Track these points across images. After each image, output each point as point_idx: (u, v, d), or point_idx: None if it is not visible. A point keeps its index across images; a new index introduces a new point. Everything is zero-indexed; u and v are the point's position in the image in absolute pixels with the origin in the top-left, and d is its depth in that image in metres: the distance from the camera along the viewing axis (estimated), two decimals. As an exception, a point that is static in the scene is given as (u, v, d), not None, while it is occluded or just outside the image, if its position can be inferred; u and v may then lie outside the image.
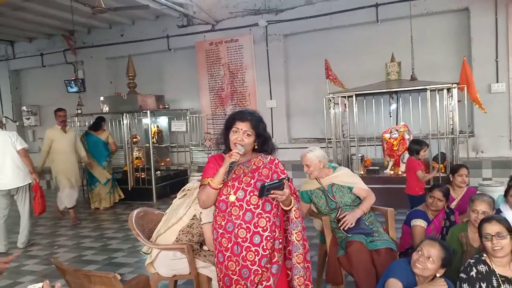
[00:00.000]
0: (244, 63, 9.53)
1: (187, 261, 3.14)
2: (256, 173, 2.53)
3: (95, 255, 5.39)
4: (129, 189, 8.48)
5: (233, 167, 2.46)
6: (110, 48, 10.67)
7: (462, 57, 7.11)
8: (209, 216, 2.93)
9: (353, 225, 3.31)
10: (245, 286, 2.44)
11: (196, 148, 9.48)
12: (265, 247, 2.43)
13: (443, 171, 6.80)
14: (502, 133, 7.83)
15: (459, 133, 7.04)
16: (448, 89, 6.91)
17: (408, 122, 7.40)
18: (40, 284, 1.83)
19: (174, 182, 8.99)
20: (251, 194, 2.46)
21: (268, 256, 2.44)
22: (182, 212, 3.25)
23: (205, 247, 3.27)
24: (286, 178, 2.44)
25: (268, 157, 2.62)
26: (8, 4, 7.84)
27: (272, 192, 2.32)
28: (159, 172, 9.18)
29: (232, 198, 2.47)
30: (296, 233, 2.51)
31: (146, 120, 9.03)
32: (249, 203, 2.45)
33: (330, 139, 7.47)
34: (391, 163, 7.16)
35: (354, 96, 7.16)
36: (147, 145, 9.16)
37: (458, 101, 6.87)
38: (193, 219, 3.21)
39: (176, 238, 3.21)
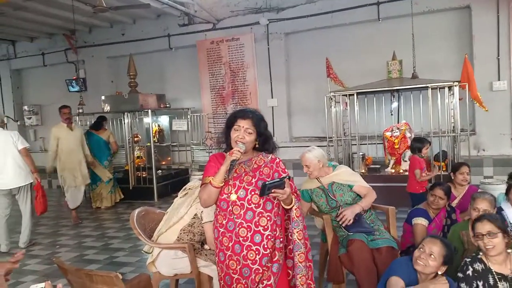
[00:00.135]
0: (245, 61, 9.53)
1: (188, 260, 3.15)
2: (257, 172, 2.53)
3: (96, 255, 5.40)
4: (131, 188, 8.49)
5: (234, 165, 2.45)
6: (111, 47, 10.68)
7: (464, 55, 7.10)
8: (210, 215, 2.93)
9: (351, 221, 3.31)
10: (246, 285, 2.44)
11: (197, 147, 9.48)
12: (266, 246, 2.43)
13: (444, 169, 6.80)
14: (504, 131, 7.81)
15: (461, 131, 7.04)
16: (450, 87, 6.90)
17: (409, 120, 7.39)
18: (43, 284, 1.83)
19: (175, 181, 9.00)
20: (252, 193, 2.46)
21: (269, 255, 2.44)
22: (183, 211, 3.25)
23: (206, 246, 3.27)
24: (287, 177, 2.44)
25: (269, 156, 2.62)
26: (10, 3, 7.85)
27: (273, 191, 2.32)
28: (160, 171, 9.19)
29: (233, 197, 2.47)
30: (297, 232, 2.51)
31: (147, 119, 9.04)
32: (250, 202, 2.45)
33: (331, 137, 7.47)
34: (392, 162, 7.15)
35: (355, 95, 7.16)
36: (148, 144, 9.17)
37: (459, 99, 6.86)
38: (194, 218, 3.22)
39: (178, 237, 3.21)
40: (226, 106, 9.79)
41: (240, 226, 2.45)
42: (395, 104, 8.19)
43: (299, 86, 9.38)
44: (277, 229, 2.49)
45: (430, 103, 6.71)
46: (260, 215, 2.45)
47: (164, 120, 10.21)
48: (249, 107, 2.86)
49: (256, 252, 2.43)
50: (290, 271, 2.58)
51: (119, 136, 9.26)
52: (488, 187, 5.83)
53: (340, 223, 3.34)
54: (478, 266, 2.59)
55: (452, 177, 4.40)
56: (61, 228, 6.90)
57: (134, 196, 8.42)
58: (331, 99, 7.44)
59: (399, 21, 8.01)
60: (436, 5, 7.98)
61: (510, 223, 3.56)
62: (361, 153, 7.35)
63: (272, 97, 9.44)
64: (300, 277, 2.49)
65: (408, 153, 6.87)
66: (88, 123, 8.91)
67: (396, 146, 6.84)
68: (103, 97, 8.98)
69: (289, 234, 2.56)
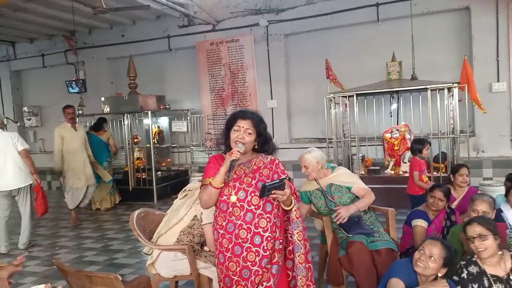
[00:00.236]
0: (245, 63, 9.53)
1: (188, 262, 3.15)
2: (257, 173, 2.53)
3: (96, 256, 5.40)
4: (130, 189, 8.49)
5: (234, 165, 2.46)
6: (111, 49, 10.68)
7: (463, 56, 7.10)
8: (210, 217, 2.93)
9: (345, 220, 3.32)
10: (245, 287, 2.45)
11: (197, 149, 9.49)
12: (265, 247, 2.43)
13: (443, 171, 6.81)
14: (503, 132, 7.82)
15: (460, 133, 7.04)
16: (449, 89, 6.91)
17: (409, 122, 7.40)
18: (42, 286, 1.84)
19: (175, 183, 9.00)
20: (252, 194, 2.46)
21: (269, 256, 2.45)
22: (183, 212, 3.26)
23: (206, 248, 3.28)
24: (287, 178, 2.45)
25: (269, 157, 2.62)
26: (9, 5, 7.85)
27: (273, 192, 2.32)
28: (160, 172, 9.19)
29: (233, 198, 2.47)
30: (297, 233, 2.51)
31: (147, 121, 9.04)
32: (250, 203, 2.45)
33: (330, 139, 7.47)
34: (391, 163, 7.16)
35: (354, 96, 7.16)
36: (148, 145, 9.17)
37: (459, 101, 6.87)
38: (194, 219, 3.22)
39: (177, 238, 3.21)
40: (225, 107, 9.80)
41: (240, 228, 2.45)
42: (394, 106, 8.19)
43: (298, 88, 9.38)
44: (277, 230, 2.50)
45: (429, 104, 6.72)
46: (260, 216, 2.45)
47: (163, 122, 10.22)
48: (249, 108, 2.87)
49: (256, 253, 2.43)
50: (289, 272, 2.59)
51: (118, 137, 9.26)
52: (488, 189, 5.83)
53: (334, 220, 3.36)
54: (473, 269, 2.59)
55: (452, 179, 4.41)
56: (60, 229, 6.90)
57: (133, 197, 8.42)
58: (331, 100, 7.45)
59: (398, 23, 8.02)
60: (435, 6, 7.99)
61: (510, 225, 3.58)
62: (360, 155, 7.36)
63: (271, 99, 9.45)
64: (300, 278, 2.50)
65: (408, 154, 6.88)
66: (88, 124, 8.91)
67: (396, 148, 6.85)
68: (103, 98, 8.99)
69: (289, 235, 2.57)
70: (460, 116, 6.95)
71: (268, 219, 2.46)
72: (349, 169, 7.15)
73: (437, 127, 6.90)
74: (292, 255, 2.55)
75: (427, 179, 5.19)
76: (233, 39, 9.54)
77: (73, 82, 10.83)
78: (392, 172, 7.14)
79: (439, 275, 2.56)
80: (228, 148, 2.59)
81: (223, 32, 9.63)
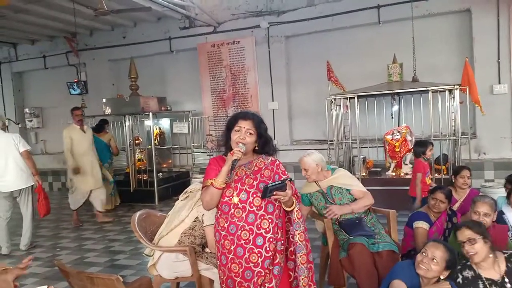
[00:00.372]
0: (246, 64, 9.55)
1: (189, 263, 3.15)
2: (258, 174, 2.54)
3: (97, 257, 5.40)
4: (131, 191, 8.49)
5: (236, 164, 2.46)
6: (112, 50, 10.70)
7: (464, 58, 7.10)
8: (211, 218, 2.93)
9: (336, 215, 3.38)
10: None
11: (198, 150, 9.49)
12: (268, 248, 2.44)
13: (445, 172, 6.81)
14: (504, 134, 7.82)
15: (461, 135, 7.03)
16: (450, 91, 6.91)
17: (410, 124, 7.40)
18: (44, 287, 1.84)
19: (176, 184, 9.00)
20: (254, 195, 2.46)
21: (271, 257, 2.45)
22: (185, 214, 3.26)
23: (207, 249, 3.28)
24: (288, 179, 2.46)
25: (270, 158, 2.63)
26: (11, 6, 7.87)
27: (274, 193, 2.34)
28: (161, 174, 9.18)
29: (235, 200, 2.47)
30: (298, 233, 2.52)
31: (148, 122, 9.04)
32: (252, 204, 2.46)
33: (332, 140, 7.48)
34: (393, 165, 7.15)
35: (355, 98, 7.16)
36: (149, 147, 9.17)
37: (460, 103, 6.87)
38: (195, 221, 3.22)
39: (179, 240, 3.22)
40: (227, 109, 9.81)
41: (242, 229, 2.45)
42: (395, 107, 8.20)
43: (299, 89, 9.39)
44: (279, 231, 2.50)
45: (430, 106, 6.72)
46: (262, 217, 2.46)
47: (165, 123, 10.22)
48: (249, 110, 2.88)
49: (258, 254, 2.43)
50: (291, 273, 2.60)
51: (120, 139, 9.27)
52: (489, 191, 5.82)
53: (325, 214, 3.40)
54: (468, 273, 2.59)
55: (453, 181, 4.40)
56: (62, 230, 6.90)
57: (135, 198, 8.42)
58: (332, 102, 7.45)
59: (399, 25, 8.02)
60: (436, 8, 8.00)
61: (511, 227, 3.57)
62: (362, 156, 7.35)
63: (272, 100, 9.46)
64: (302, 279, 2.51)
65: (409, 156, 6.88)
66: (89, 125, 8.91)
67: (397, 150, 6.84)
68: (104, 100, 9.00)
69: (290, 236, 2.58)
70: (461, 118, 6.94)
71: (270, 220, 2.47)
72: (351, 171, 7.21)
73: (438, 129, 6.90)
74: (294, 256, 2.55)
75: (430, 181, 5.18)
76: (234, 41, 9.56)
77: (75, 84, 10.86)
78: (393, 174, 7.13)
79: (442, 277, 2.55)
80: (229, 150, 2.59)
81: (224, 34, 9.65)
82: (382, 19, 8.35)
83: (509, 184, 4.27)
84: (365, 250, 3.17)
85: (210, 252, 3.22)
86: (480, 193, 4.33)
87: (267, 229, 2.45)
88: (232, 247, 2.47)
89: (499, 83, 7.75)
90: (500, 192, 5.04)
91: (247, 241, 2.44)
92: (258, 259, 2.43)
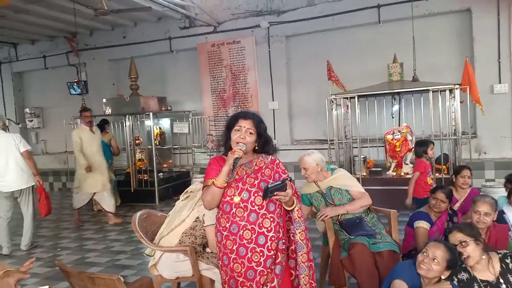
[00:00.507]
0: (246, 64, 9.54)
1: (190, 263, 3.15)
2: (259, 173, 2.54)
3: (98, 257, 5.40)
4: (132, 191, 8.49)
5: (237, 163, 2.46)
6: (112, 50, 10.70)
7: (464, 58, 7.10)
8: (212, 218, 2.93)
9: (328, 217, 3.40)
10: (250, 287, 2.45)
11: (198, 150, 9.50)
12: (270, 247, 2.44)
13: (445, 172, 6.80)
14: (505, 134, 7.82)
15: (462, 134, 7.03)
16: (450, 90, 6.91)
17: (410, 123, 7.40)
18: (46, 287, 1.83)
19: (176, 184, 9.01)
20: (255, 195, 2.47)
21: (273, 256, 2.46)
22: (185, 214, 3.26)
23: (208, 249, 3.28)
24: (289, 179, 2.46)
25: (269, 157, 2.64)
26: (11, 6, 7.87)
27: (275, 193, 2.34)
28: (161, 174, 9.19)
29: (236, 199, 2.48)
30: (299, 232, 2.54)
31: (149, 122, 9.04)
32: (253, 204, 2.46)
33: (332, 140, 7.47)
34: (393, 165, 7.14)
35: (356, 97, 7.15)
36: (149, 147, 9.17)
37: (460, 102, 6.87)
38: (196, 221, 3.22)
39: (179, 240, 3.22)
40: (227, 108, 9.81)
41: (244, 229, 2.45)
42: (396, 107, 8.19)
43: (300, 89, 9.39)
44: (280, 230, 2.51)
45: (431, 106, 6.71)
46: (264, 216, 2.46)
47: (165, 123, 10.22)
48: (250, 110, 2.89)
49: (261, 254, 2.44)
50: (292, 272, 2.61)
51: (120, 139, 9.27)
52: (490, 190, 5.82)
53: (318, 216, 3.43)
54: (463, 276, 2.59)
55: (454, 180, 4.40)
56: (62, 230, 6.90)
57: (135, 198, 8.42)
58: (332, 101, 7.45)
59: (399, 24, 8.02)
60: (436, 8, 8.00)
61: (512, 226, 3.57)
62: (362, 156, 7.35)
63: (273, 100, 9.46)
64: (303, 277, 2.52)
65: (409, 156, 6.88)
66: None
67: (398, 149, 6.84)
68: (104, 100, 9.00)
69: (291, 235, 2.59)
70: (462, 118, 6.94)
71: (271, 219, 2.47)
72: (351, 171, 7.23)
73: (439, 128, 6.89)
74: (295, 255, 2.57)
75: (431, 181, 5.18)
76: (234, 41, 9.56)
77: (75, 84, 10.87)
78: (394, 173, 7.13)
79: (443, 277, 2.56)
80: (228, 149, 2.60)
81: (224, 34, 9.65)
82: (383, 19, 8.34)
83: (509, 183, 4.28)
84: (366, 250, 3.17)
85: (211, 252, 3.22)
86: (481, 193, 4.34)
87: (269, 228, 2.46)
88: (234, 247, 2.47)
89: (500, 82, 7.75)
90: (500, 192, 5.04)
91: (249, 240, 2.44)
92: (260, 258, 2.43)
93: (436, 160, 6.92)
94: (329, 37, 8.91)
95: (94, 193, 7.06)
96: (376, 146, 7.88)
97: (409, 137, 6.81)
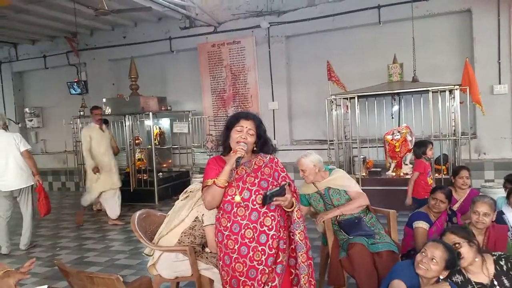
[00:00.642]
0: (246, 64, 9.55)
1: (189, 263, 3.15)
2: (259, 172, 2.55)
3: (97, 257, 5.40)
4: (131, 190, 8.49)
5: (240, 162, 2.47)
6: (112, 50, 10.70)
7: (464, 58, 7.10)
8: (211, 218, 2.93)
9: (324, 220, 3.43)
10: (252, 287, 2.46)
11: (198, 150, 9.49)
12: (271, 245, 2.46)
13: (445, 173, 6.80)
14: (504, 134, 7.82)
15: (461, 135, 7.03)
16: (450, 91, 6.91)
17: (410, 124, 7.39)
18: (45, 287, 1.84)
19: (176, 184, 9.01)
20: (256, 193, 2.48)
21: (274, 255, 2.47)
22: (185, 214, 3.26)
23: (207, 249, 3.28)
24: (287, 184, 2.49)
25: (268, 156, 2.65)
26: (11, 6, 7.87)
27: (274, 199, 2.38)
28: (161, 173, 9.19)
29: (237, 198, 2.48)
30: (299, 233, 2.56)
31: (148, 122, 9.05)
32: (254, 202, 2.47)
33: (332, 140, 7.47)
34: (393, 165, 7.14)
35: (356, 98, 7.15)
36: (149, 146, 9.18)
37: (460, 103, 6.87)
38: (195, 221, 3.22)
39: (178, 240, 3.22)
40: (227, 108, 9.81)
41: (246, 228, 2.46)
42: (396, 107, 8.20)
43: (300, 89, 9.39)
44: (281, 229, 2.52)
45: (431, 106, 6.71)
46: (265, 215, 2.48)
47: (165, 123, 10.22)
48: (249, 110, 2.90)
49: (262, 252, 2.45)
50: (292, 270, 2.63)
51: (120, 138, 9.27)
52: (489, 191, 5.81)
53: (316, 222, 3.47)
54: (457, 278, 2.60)
55: (453, 181, 4.40)
56: (61, 230, 6.90)
57: (135, 198, 8.41)
58: (332, 102, 7.45)
59: (400, 25, 8.01)
60: (436, 8, 8.00)
61: (511, 227, 3.57)
62: (362, 156, 7.35)
63: (273, 100, 9.45)
64: (303, 276, 2.55)
65: (409, 156, 6.88)
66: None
67: (397, 150, 6.84)
68: (104, 100, 9.01)
69: (291, 234, 2.61)
70: (462, 118, 6.94)
71: (272, 217, 2.49)
72: (351, 171, 7.23)
73: (439, 129, 6.89)
74: (295, 254, 2.59)
75: (432, 181, 5.17)
76: (235, 41, 9.56)
77: (75, 84, 10.87)
78: (393, 174, 7.13)
79: (441, 277, 2.55)
80: (227, 149, 2.61)
81: (224, 34, 9.65)
82: (383, 19, 8.34)
83: (508, 183, 4.28)
84: (365, 250, 3.17)
85: (210, 252, 3.22)
86: (480, 193, 4.34)
87: (270, 226, 2.47)
88: (236, 246, 2.48)
89: (500, 83, 7.75)
90: (500, 192, 5.05)
91: (251, 239, 2.45)
92: (261, 257, 2.45)
93: (436, 161, 6.92)
94: (329, 37, 8.91)
95: (101, 192, 7.06)
96: (375, 147, 7.89)
97: (409, 138, 6.80)
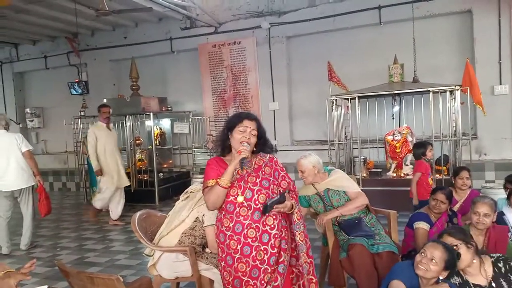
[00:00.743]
0: (247, 65, 9.55)
1: (189, 264, 3.15)
2: (260, 171, 2.57)
3: (97, 257, 5.40)
4: (132, 191, 8.48)
5: (244, 162, 2.49)
6: (113, 51, 10.70)
7: (465, 59, 7.09)
8: (212, 219, 2.94)
9: (324, 221, 3.42)
10: (255, 286, 2.46)
11: (198, 150, 9.49)
12: (273, 245, 2.47)
13: (446, 173, 6.80)
14: (505, 135, 7.81)
15: (462, 135, 7.03)
16: (451, 91, 6.90)
17: (411, 124, 7.40)
18: (45, 287, 1.84)
19: (176, 184, 9.01)
20: (258, 193, 2.49)
21: (276, 254, 2.48)
22: (185, 214, 3.26)
23: (207, 250, 3.28)
24: (287, 192, 2.54)
25: (267, 155, 2.67)
26: (12, 6, 7.88)
27: (274, 207, 2.42)
28: (161, 174, 9.19)
29: (240, 198, 2.49)
30: (299, 234, 2.57)
31: (149, 122, 9.05)
32: (257, 202, 2.48)
33: (332, 141, 7.47)
34: (393, 166, 7.14)
35: (356, 98, 7.15)
36: (150, 147, 9.18)
37: (461, 103, 6.86)
38: (195, 221, 3.22)
39: (179, 240, 3.22)
40: (227, 109, 9.81)
41: (248, 227, 2.47)
42: (396, 108, 8.19)
43: (300, 90, 9.38)
44: (283, 229, 2.54)
45: (431, 107, 6.71)
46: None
47: (165, 123, 10.22)
48: (249, 111, 2.91)
49: (264, 252, 2.46)
50: (294, 269, 2.65)
51: (121, 139, 9.26)
52: (490, 192, 5.79)
53: (316, 223, 3.47)
54: (455, 280, 2.60)
55: (453, 182, 4.40)
56: (62, 230, 6.91)
57: (135, 199, 8.40)
58: (333, 102, 7.44)
59: (400, 25, 8.01)
60: (437, 9, 7.99)
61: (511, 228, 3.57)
62: (362, 157, 7.34)
63: (273, 101, 9.45)
64: (305, 276, 2.57)
65: (410, 157, 6.88)
66: (90, 125, 8.92)
67: (398, 150, 6.83)
68: (105, 100, 8.99)
69: (291, 235, 2.62)
70: (462, 119, 6.94)
71: (274, 217, 2.51)
72: (351, 172, 7.23)
73: (439, 129, 6.89)
74: (295, 253, 2.61)
75: (432, 182, 5.17)
76: (235, 41, 9.56)
77: (76, 84, 10.88)
78: (394, 174, 7.12)
79: (441, 278, 2.55)
80: (226, 149, 2.62)
81: (225, 35, 9.65)
82: (383, 20, 8.34)
83: (509, 184, 4.27)
84: (365, 250, 3.17)
85: (211, 252, 3.22)
86: (481, 194, 4.33)
87: (272, 226, 2.49)
88: (239, 247, 2.48)
89: (500, 83, 7.74)
90: (500, 193, 5.05)
91: (254, 239, 2.46)
92: (264, 256, 2.46)
93: (436, 161, 6.92)
94: (330, 38, 8.91)
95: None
96: (376, 147, 7.88)
97: (410, 138, 6.81)
